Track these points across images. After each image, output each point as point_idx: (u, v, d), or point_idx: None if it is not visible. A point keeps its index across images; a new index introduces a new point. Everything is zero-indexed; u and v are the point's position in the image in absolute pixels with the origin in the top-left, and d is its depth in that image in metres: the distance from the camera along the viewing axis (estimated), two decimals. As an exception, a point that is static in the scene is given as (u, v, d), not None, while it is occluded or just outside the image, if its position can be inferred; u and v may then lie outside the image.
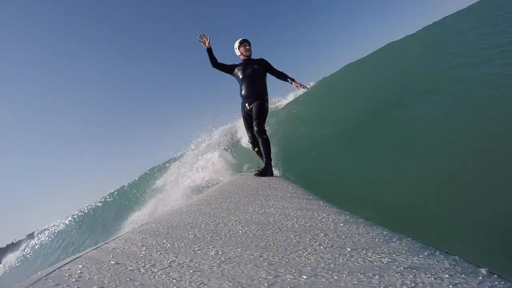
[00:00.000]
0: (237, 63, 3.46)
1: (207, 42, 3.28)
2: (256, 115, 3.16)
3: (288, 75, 3.38)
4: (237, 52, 3.37)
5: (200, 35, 3.29)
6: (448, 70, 4.40)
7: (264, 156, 3.06)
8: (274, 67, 3.41)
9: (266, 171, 2.99)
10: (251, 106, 3.25)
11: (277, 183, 2.45)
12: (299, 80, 3.28)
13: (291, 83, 3.23)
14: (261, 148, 3.07)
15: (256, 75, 3.32)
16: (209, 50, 3.34)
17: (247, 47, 3.36)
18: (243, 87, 3.34)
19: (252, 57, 3.40)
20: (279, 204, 1.34)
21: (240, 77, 3.36)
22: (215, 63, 3.37)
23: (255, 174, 3.00)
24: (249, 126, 3.35)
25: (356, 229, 0.85)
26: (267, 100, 3.31)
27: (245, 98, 3.35)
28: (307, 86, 3.07)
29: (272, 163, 3.15)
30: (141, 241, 0.79)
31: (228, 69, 3.40)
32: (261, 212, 1.17)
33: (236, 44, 3.38)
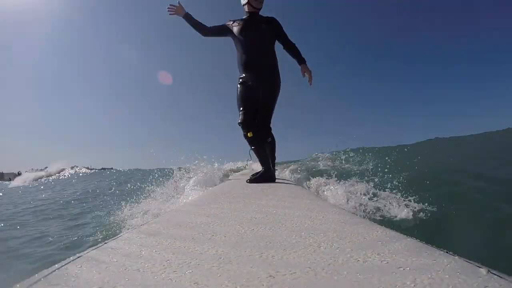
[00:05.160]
0: (233, 19, 2.49)
1: (179, 9, 2.43)
2: (264, 112, 2.42)
3: (301, 52, 2.45)
4: (244, 1, 2.43)
5: (168, 7, 2.42)
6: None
7: (270, 158, 2.48)
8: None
9: (265, 176, 2.42)
10: (257, 84, 2.41)
11: (277, 183, 2.45)
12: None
13: (299, 65, 2.44)
14: (267, 150, 2.48)
15: (264, 38, 2.39)
16: (187, 17, 2.47)
17: None
18: (243, 52, 2.41)
19: (261, 14, 2.48)
20: (279, 204, 1.34)
21: (239, 37, 2.41)
22: (204, 30, 2.51)
23: (249, 181, 2.38)
24: (245, 104, 2.41)
25: (356, 229, 0.85)
26: (279, 82, 2.48)
27: (247, 69, 2.42)
28: (311, 82, 2.40)
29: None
30: (141, 241, 0.79)
31: (222, 30, 2.50)
32: (261, 211, 1.17)
33: None
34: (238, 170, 6.93)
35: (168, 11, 2.44)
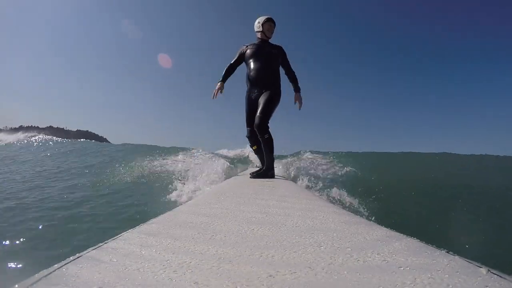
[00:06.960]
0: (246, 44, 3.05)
1: (218, 92, 3.02)
2: (262, 106, 2.78)
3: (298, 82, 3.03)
4: (258, 28, 2.98)
5: (213, 97, 3.04)
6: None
7: (265, 156, 2.75)
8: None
9: (266, 172, 2.71)
10: (259, 95, 2.87)
11: (277, 183, 2.45)
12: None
13: (294, 92, 2.99)
14: (263, 147, 2.75)
15: (271, 60, 2.91)
16: (224, 82, 3.03)
17: (273, 28, 2.98)
18: (252, 69, 2.90)
19: (271, 42, 3.05)
20: (279, 204, 1.34)
21: (251, 57, 2.93)
22: (233, 70, 3.08)
23: (252, 176, 2.70)
24: (251, 119, 2.88)
25: (356, 229, 0.85)
26: (279, 94, 2.94)
27: (254, 84, 2.91)
28: (300, 107, 2.97)
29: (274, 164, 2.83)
30: (141, 241, 0.79)
31: (240, 59, 3.05)
32: (261, 211, 1.17)
33: (261, 20, 2.96)
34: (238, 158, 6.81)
35: (214, 97, 3.06)
